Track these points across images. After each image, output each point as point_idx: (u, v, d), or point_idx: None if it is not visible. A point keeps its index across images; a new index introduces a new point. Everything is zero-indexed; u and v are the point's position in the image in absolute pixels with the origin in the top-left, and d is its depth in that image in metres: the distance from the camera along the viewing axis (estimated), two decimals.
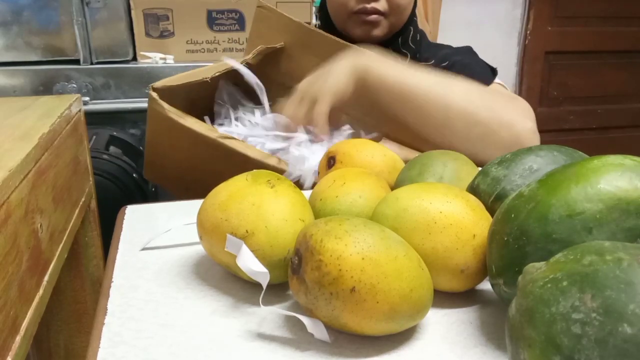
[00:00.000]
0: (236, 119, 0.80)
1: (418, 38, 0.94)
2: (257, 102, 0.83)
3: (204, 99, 0.80)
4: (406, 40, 0.92)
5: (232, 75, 0.81)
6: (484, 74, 0.87)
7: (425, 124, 0.70)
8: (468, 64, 0.89)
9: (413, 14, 0.94)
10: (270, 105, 0.83)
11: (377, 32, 0.89)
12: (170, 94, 0.67)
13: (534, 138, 0.71)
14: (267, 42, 0.84)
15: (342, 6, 0.89)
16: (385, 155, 0.56)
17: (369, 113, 0.76)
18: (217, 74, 0.73)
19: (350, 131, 0.75)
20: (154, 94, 0.66)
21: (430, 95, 0.70)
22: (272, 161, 0.65)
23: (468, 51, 0.96)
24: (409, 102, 0.70)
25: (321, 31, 0.83)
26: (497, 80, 0.88)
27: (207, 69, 0.77)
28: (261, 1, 0.87)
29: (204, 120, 0.71)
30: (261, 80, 0.84)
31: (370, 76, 0.71)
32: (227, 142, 0.65)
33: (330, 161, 0.56)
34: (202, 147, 0.66)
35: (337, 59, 0.73)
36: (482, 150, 0.67)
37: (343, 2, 0.88)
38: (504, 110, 0.71)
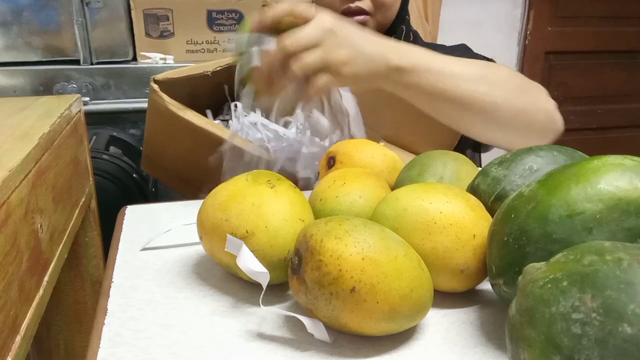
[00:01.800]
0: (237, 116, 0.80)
1: (411, 38, 0.94)
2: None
3: (206, 94, 0.80)
4: (398, 39, 0.92)
5: (234, 71, 0.81)
6: None
7: (470, 122, 0.66)
8: None
9: (404, 12, 0.92)
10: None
11: None
12: (172, 87, 0.68)
13: (559, 116, 0.69)
14: None
15: (329, 8, 0.88)
16: (385, 155, 0.56)
17: (374, 110, 0.76)
18: (218, 68, 0.74)
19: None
20: (155, 86, 0.66)
21: (476, 96, 0.63)
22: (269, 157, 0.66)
23: (463, 49, 0.95)
24: (450, 106, 0.63)
25: None
26: None
27: (209, 64, 0.78)
28: (267, 0, 0.87)
29: (205, 115, 0.72)
30: None
31: (403, 79, 0.60)
32: (226, 137, 0.65)
33: (330, 161, 0.56)
34: (200, 140, 0.66)
35: (374, 38, 0.61)
36: (523, 138, 0.65)
37: (329, 3, 0.88)
38: (534, 93, 0.69)
